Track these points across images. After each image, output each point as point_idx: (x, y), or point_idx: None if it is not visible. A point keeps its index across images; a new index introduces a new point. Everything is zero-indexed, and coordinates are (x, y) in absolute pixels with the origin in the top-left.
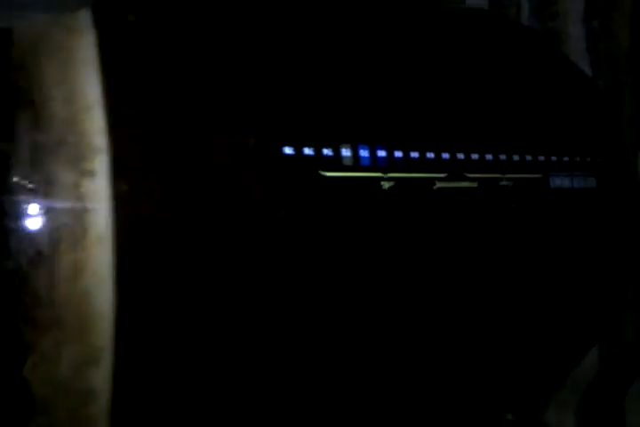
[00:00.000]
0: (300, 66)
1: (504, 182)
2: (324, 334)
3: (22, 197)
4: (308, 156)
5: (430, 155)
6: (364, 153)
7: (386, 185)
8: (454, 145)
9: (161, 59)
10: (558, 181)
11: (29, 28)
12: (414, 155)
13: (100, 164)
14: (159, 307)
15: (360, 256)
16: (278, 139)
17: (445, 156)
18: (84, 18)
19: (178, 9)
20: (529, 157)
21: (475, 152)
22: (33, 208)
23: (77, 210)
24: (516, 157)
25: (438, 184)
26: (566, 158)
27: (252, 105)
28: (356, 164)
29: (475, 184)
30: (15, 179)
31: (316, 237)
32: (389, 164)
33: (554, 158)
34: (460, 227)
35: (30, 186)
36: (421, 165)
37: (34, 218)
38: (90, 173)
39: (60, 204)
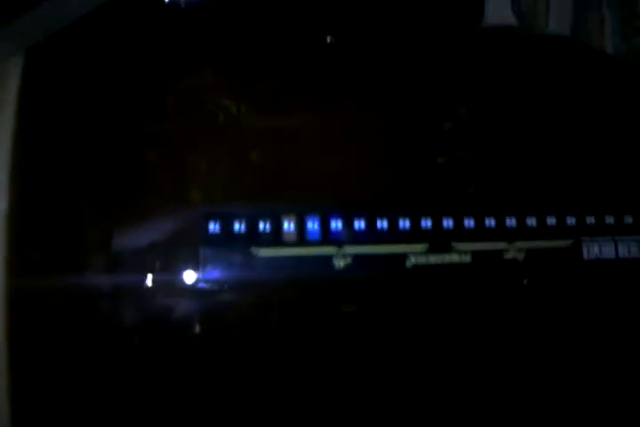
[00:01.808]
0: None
1: (510, 255)
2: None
3: None
4: (239, 233)
5: (404, 223)
6: (311, 225)
7: (340, 263)
8: (439, 207)
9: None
10: (595, 250)
11: None
12: (382, 224)
13: None
14: (53, 301)
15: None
16: (203, 213)
17: (426, 223)
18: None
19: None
20: (551, 220)
21: (470, 216)
22: None
23: None
24: (530, 221)
25: (413, 259)
26: (609, 220)
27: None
28: (301, 238)
29: (467, 258)
30: None
31: (244, 333)
32: (346, 236)
33: (590, 220)
34: (445, 321)
35: None
36: (389, 234)
37: None
38: None
39: None
